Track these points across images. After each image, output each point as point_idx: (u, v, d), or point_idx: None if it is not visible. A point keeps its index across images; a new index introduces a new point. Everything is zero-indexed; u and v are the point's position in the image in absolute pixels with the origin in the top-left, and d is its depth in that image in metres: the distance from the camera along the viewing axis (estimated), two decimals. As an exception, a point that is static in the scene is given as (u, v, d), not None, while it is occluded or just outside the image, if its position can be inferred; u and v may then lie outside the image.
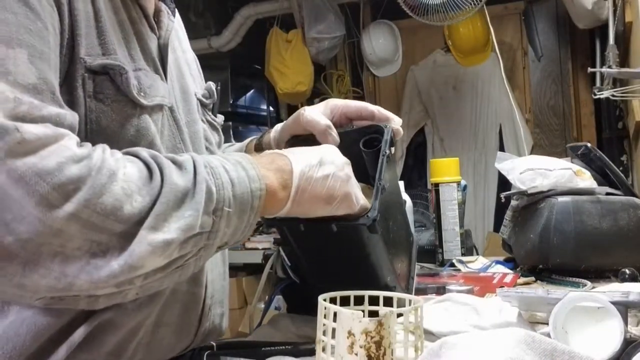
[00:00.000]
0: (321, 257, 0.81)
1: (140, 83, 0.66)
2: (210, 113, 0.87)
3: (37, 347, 0.61)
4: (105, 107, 0.62)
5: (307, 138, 0.81)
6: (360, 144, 0.81)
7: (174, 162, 0.60)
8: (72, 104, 0.59)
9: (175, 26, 0.86)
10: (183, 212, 0.57)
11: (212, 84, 0.90)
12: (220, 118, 0.91)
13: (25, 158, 0.49)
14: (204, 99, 0.85)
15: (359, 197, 0.71)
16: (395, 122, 0.82)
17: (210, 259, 0.77)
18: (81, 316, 0.63)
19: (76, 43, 0.60)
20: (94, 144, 0.57)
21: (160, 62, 0.74)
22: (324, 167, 0.68)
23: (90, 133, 0.61)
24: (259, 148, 0.92)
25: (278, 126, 0.89)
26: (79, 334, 0.62)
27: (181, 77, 0.81)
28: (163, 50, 0.75)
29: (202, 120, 0.84)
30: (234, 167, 0.62)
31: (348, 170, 0.71)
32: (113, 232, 0.53)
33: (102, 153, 0.55)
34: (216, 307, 0.80)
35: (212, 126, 0.87)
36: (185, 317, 0.73)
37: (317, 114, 0.80)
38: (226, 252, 0.86)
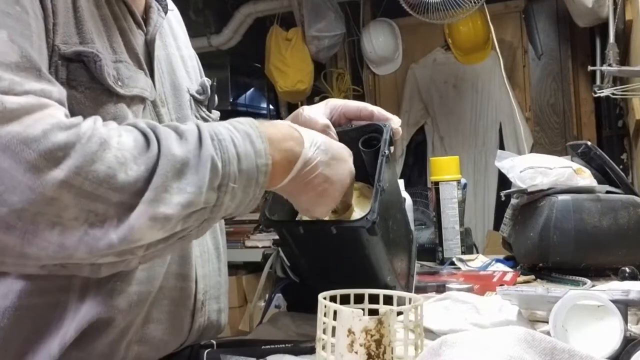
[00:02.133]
0: (321, 258, 0.81)
1: (119, 73, 0.66)
2: (204, 109, 0.87)
3: (29, 343, 0.61)
4: (78, 94, 0.62)
5: None
6: (359, 143, 0.81)
7: (176, 130, 0.59)
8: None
9: (171, 23, 0.86)
10: (185, 185, 0.56)
11: (206, 80, 0.90)
12: (215, 114, 0.90)
13: (9, 127, 0.49)
14: (197, 95, 0.85)
15: (331, 208, 0.72)
16: (395, 122, 0.82)
17: (201, 255, 0.77)
18: (72, 314, 0.62)
19: (54, 31, 0.61)
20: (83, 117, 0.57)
21: (147, 58, 0.74)
22: (330, 167, 0.68)
23: None
24: None
25: None
26: (71, 331, 0.62)
27: (172, 73, 0.81)
28: (150, 46, 0.75)
29: (196, 117, 0.84)
30: (243, 140, 0.61)
31: (350, 181, 0.71)
32: (109, 202, 0.53)
33: (93, 123, 0.55)
34: (211, 303, 0.79)
35: (207, 122, 0.87)
36: (176, 313, 0.73)
37: (316, 113, 0.80)
38: (222, 249, 0.85)
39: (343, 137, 0.79)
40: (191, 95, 0.84)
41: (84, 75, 0.63)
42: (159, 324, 0.71)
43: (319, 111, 0.82)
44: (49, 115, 0.52)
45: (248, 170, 0.61)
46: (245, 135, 0.62)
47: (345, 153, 0.72)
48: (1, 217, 0.50)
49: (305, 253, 0.82)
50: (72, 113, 0.60)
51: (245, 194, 0.61)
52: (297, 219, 0.83)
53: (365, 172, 0.82)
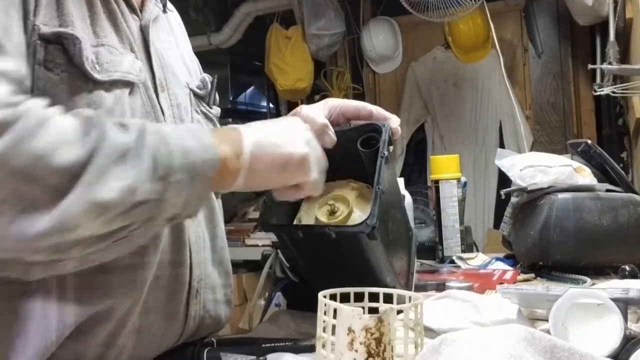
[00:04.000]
0: (320, 261, 0.80)
1: (99, 58, 0.65)
2: (205, 105, 0.87)
3: (27, 335, 0.61)
4: (54, 76, 0.62)
5: None
6: (358, 143, 0.80)
7: (119, 123, 0.58)
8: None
9: (170, 23, 0.87)
10: (125, 172, 0.54)
11: (207, 76, 0.90)
12: (216, 110, 0.90)
13: None
14: (197, 90, 0.85)
15: (314, 162, 0.69)
16: (394, 121, 0.81)
17: (196, 241, 0.76)
18: (69, 306, 0.62)
19: (36, 12, 0.61)
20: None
21: (143, 44, 0.74)
22: (280, 133, 0.67)
23: None
24: None
25: None
26: (69, 323, 0.62)
27: (171, 66, 0.80)
28: (145, 32, 0.75)
29: (196, 111, 0.84)
30: (187, 135, 0.60)
31: (308, 134, 0.69)
32: (44, 184, 0.51)
33: (37, 102, 0.54)
34: (207, 293, 0.79)
35: (207, 117, 0.87)
36: (172, 301, 0.73)
37: (314, 112, 0.80)
38: (219, 241, 0.85)
39: (341, 136, 0.78)
40: (191, 90, 0.84)
41: (61, 58, 0.62)
42: (156, 313, 0.71)
43: (318, 110, 0.81)
44: None
45: (194, 164, 0.59)
46: (190, 132, 0.61)
47: (289, 119, 0.71)
48: None
49: (304, 256, 0.82)
50: (46, 95, 0.60)
51: (192, 190, 0.59)
52: (295, 222, 0.82)
53: (364, 172, 0.82)
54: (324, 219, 0.78)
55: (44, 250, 0.53)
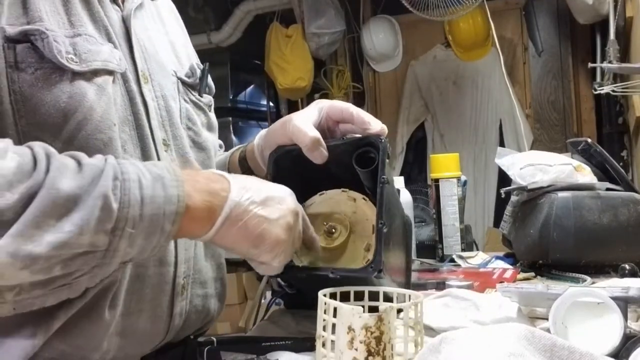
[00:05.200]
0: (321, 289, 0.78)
1: (76, 49, 0.63)
2: (195, 93, 0.84)
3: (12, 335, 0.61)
4: (28, 76, 0.60)
5: (293, 149, 0.76)
6: (353, 161, 0.75)
7: (79, 163, 0.54)
8: None
9: (159, 9, 0.85)
10: (63, 225, 0.51)
11: (196, 64, 0.87)
12: (206, 98, 0.87)
13: None
14: (185, 78, 0.83)
15: (285, 251, 0.66)
16: (372, 126, 0.77)
17: (184, 239, 0.73)
18: (56, 305, 0.60)
19: None
20: (22, 115, 0.54)
21: (125, 34, 0.72)
22: (266, 207, 0.63)
23: (15, 103, 0.59)
24: (243, 158, 0.89)
25: (263, 132, 0.86)
26: (54, 323, 0.61)
27: (156, 54, 0.78)
28: (127, 22, 0.73)
29: (185, 100, 0.81)
30: (153, 182, 0.57)
31: (292, 218, 0.66)
32: None
33: None
34: (195, 288, 0.76)
35: (197, 106, 0.84)
36: (155, 300, 0.70)
37: (305, 123, 0.76)
38: None
39: (334, 150, 0.75)
40: (179, 78, 0.81)
41: (32, 56, 0.60)
42: (140, 314, 0.69)
43: (309, 119, 0.77)
44: None
45: (152, 216, 0.56)
46: (157, 178, 0.57)
47: (281, 191, 0.67)
48: None
49: (305, 288, 0.80)
50: (24, 96, 0.59)
51: (147, 241, 0.56)
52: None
53: (359, 184, 0.78)
54: (322, 242, 0.74)
55: None
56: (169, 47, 0.83)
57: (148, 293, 0.69)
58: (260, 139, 0.86)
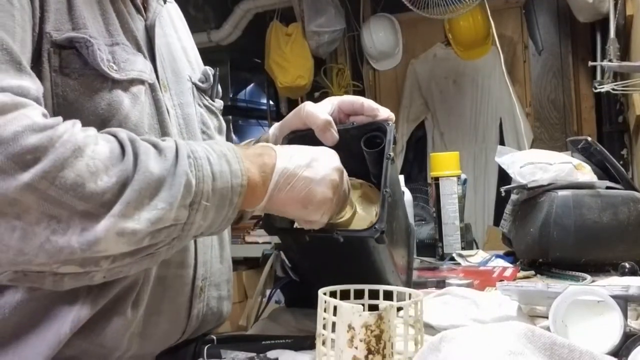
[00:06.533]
0: (325, 264, 0.80)
1: (115, 57, 0.66)
2: (207, 97, 0.87)
3: (33, 333, 0.61)
4: (72, 80, 0.62)
5: (306, 134, 0.80)
6: (362, 143, 0.80)
7: (155, 146, 0.59)
8: (38, 78, 0.59)
9: (170, 13, 0.87)
10: (156, 202, 0.55)
11: (208, 69, 0.90)
12: (218, 103, 0.91)
13: None
14: (199, 83, 0.85)
15: (332, 207, 0.69)
16: (381, 112, 0.81)
17: (203, 241, 0.76)
18: (79, 304, 0.62)
19: (45, 19, 0.61)
20: (63, 118, 0.56)
21: (148, 44, 0.74)
22: (311, 168, 0.67)
23: (57, 107, 0.61)
24: None
25: (277, 124, 0.89)
26: (75, 321, 0.62)
27: (173, 60, 0.81)
28: (150, 32, 0.75)
29: (199, 105, 0.84)
30: (219, 159, 0.61)
31: (337, 176, 0.69)
32: (74, 210, 0.52)
33: (72, 127, 0.54)
34: (211, 290, 0.79)
35: (210, 110, 0.87)
36: (175, 302, 0.73)
37: (318, 109, 0.80)
38: (225, 237, 0.85)
39: (344, 135, 0.78)
40: (193, 83, 0.84)
41: (76, 62, 0.62)
42: (160, 315, 0.71)
43: (321, 107, 0.82)
44: (24, 115, 0.51)
45: (222, 190, 0.60)
46: (221, 155, 0.62)
47: (325, 151, 0.70)
48: None
49: (309, 258, 0.81)
50: (66, 100, 0.61)
51: (217, 214, 0.61)
52: (296, 224, 0.82)
53: (366, 171, 0.82)
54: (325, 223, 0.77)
55: (73, 263, 0.54)
56: (183, 53, 0.85)
57: (169, 294, 0.72)
58: (276, 129, 0.89)
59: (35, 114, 0.53)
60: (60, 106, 0.61)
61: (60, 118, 0.55)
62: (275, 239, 0.82)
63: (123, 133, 0.58)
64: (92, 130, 0.57)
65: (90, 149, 0.54)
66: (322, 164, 0.68)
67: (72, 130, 0.54)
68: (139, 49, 0.72)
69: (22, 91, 0.53)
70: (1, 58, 0.53)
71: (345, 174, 0.72)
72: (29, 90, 0.55)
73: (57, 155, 0.51)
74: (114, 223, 0.53)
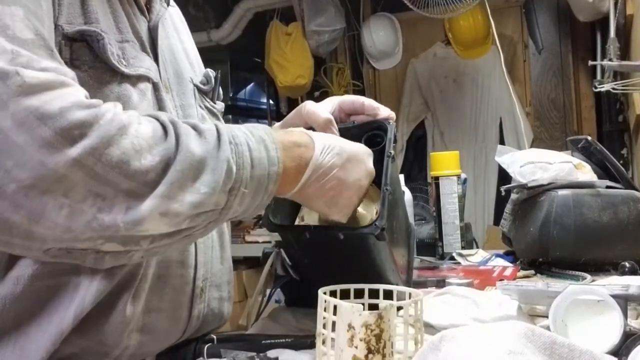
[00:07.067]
0: (325, 261, 0.80)
1: (125, 53, 0.67)
2: (209, 100, 0.88)
3: (32, 327, 0.61)
4: (82, 73, 0.62)
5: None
6: (362, 141, 0.79)
7: (195, 128, 0.59)
8: None
9: (172, 16, 0.87)
10: (199, 185, 0.56)
11: (210, 71, 0.90)
12: (220, 105, 0.91)
13: (27, 101, 0.50)
14: (201, 85, 0.86)
15: (360, 197, 0.71)
16: (381, 111, 0.82)
17: (204, 241, 0.77)
18: (76, 297, 0.62)
19: (59, 12, 0.62)
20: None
21: (151, 44, 0.75)
22: (344, 170, 0.68)
23: None
24: None
25: (278, 124, 0.89)
26: (73, 315, 0.61)
27: (175, 62, 0.81)
28: (153, 33, 0.76)
29: (200, 107, 0.84)
30: (257, 145, 0.62)
31: (367, 182, 0.70)
32: (119, 188, 0.53)
33: (114, 107, 0.55)
34: (212, 291, 0.79)
35: (211, 112, 0.88)
36: (175, 301, 0.73)
37: (318, 107, 0.81)
38: (226, 238, 0.85)
39: (345, 133, 0.79)
40: (195, 85, 0.84)
41: (87, 55, 0.63)
42: (160, 313, 0.71)
43: (323, 106, 0.82)
44: (69, 93, 0.52)
45: (260, 177, 0.61)
46: (260, 141, 0.62)
47: (362, 153, 0.71)
48: (9, 194, 0.50)
49: (309, 255, 0.81)
50: None
51: (253, 200, 0.62)
52: (297, 220, 0.82)
53: None
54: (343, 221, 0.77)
55: (116, 240, 0.55)
56: (184, 55, 0.86)
57: (169, 293, 0.72)
58: (277, 128, 0.88)
59: (79, 92, 0.54)
60: None
61: (101, 100, 0.56)
62: (276, 238, 0.82)
63: (164, 115, 0.59)
64: (133, 111, 0.57)
65: (134, 128, 0.54)
66: (355, 166, 0.69)
67: (115, 110, 0.55)
68: (144, 49, 0.72)
69: (60, 72, 0.54)
70: (37, 42, 0.54)
71: (374, 175, 0.73)
72: (66, 72, 0.55)
73: (103, 132, 0.52)
74: (158, 204, 0.54)
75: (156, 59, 0.75)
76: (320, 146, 0.67)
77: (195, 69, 0.88)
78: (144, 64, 0.69)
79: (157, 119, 0.58)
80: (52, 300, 0.62)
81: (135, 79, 0.68)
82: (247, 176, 0.60)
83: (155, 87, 0.73)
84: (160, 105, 0.73)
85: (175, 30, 0.87)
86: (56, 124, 0.50)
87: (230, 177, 0.58)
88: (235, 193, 0.59)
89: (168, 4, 0.83)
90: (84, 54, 0.63)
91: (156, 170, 0.54)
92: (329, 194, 0.67)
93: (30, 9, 0.55)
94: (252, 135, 0.62)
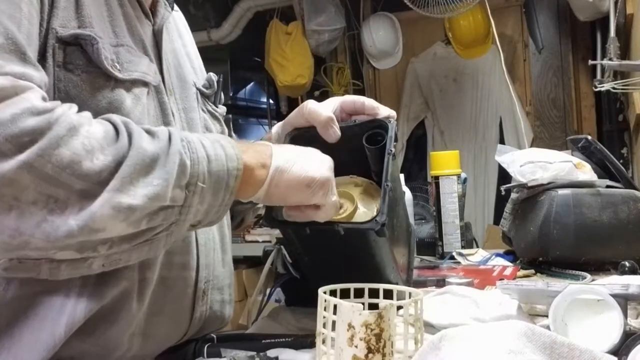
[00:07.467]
0: (325, 258, 0.80)
1: (119, 58, 0.67)
2: (211, 103, 0.88)
3: (28, 333, 0.61)
4: (75, 77, 0.63)
5: (308, 131, 0.80)
6: (363, 140, 0.80)
7: (147, 131, 0.60)
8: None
9: (175, 20, 0.88)
10: (151, 179, 0.56)
11: (212, 75, 0.91)
12: (222, 109, 0.92)
13: None
14: (204, 89, 0.86)
15: (334, 188, 0.71)
16: (381, 110, 0.82)
17: (205, 243, 0.77)
18: (74, 303, 0.62)
19: (53, 15, 0.62)
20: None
21: (155, 48, 0.75)
22: (306, 158, 0.68)
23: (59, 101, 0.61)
24: None
25: (279, 123, 0.90)
26: (72, 321, 0.61)
27: (179, 66, 0.82)
28: (157, 36, 0.76)
29: (203, 110, 0.85)
30: (212, 144, 0.63)
31: (330, 163, 0.71)
32: (71, 188, 0.53)
33: (68, 109, 0.56)
34: (214, 294, 0.79)
35: (213, 116, 0.88)
36: (177, 303, 0.73)
37: (320, 106, 0.81)
38: (227, 241, 0.85)
39: (346, 132, 0.79)
40: (198, 89, 0.85)
41: (80, 59, 0.63)
42: (161, 316, 0.71)
43: (324, 105, 0.82)
44: (23, 99, 0.52)
45: (218, 172, 0.61)
46: (214, 141, 0.63)
47: (316, 150, 0.72)
48: None
49: (310, 252, 0.81)
50: (68, 95, 0.61)
51: (214, 198, 0.62)
52: None
53: (367, 169, 0.82)
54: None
55: (70, 248, 0.54)
56: (187, 59, 0.86)
57: (171, 296, 0.72)
58: (279, 127, 0.89)
59: (34, 97, 0.54)
60: (62, 100, 0.61)
61: (58, 102, 0.56)
62: (276, 236, 0.82)
63: (116, 117, 0.59)
64: (86, 113, 0.58)
65: (85, 129, 0.55)
66: (313, 152, 0.71)
67: (67, 112, 0.55)
68: (146, 53, 0.72)
69: (25, 77, 0.54)
70: (6, 47, 0.54)
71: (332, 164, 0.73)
72: (32, 77, 0.55)
73: (53, 135, 0.52)
74: (109, 197, 0.54)
75: (160, 63, 0.75)
76: (278, 146, 0.69)
77: (197, 73, 0.88)
78: (139, 68, 0.69)
79: (109, 120, 0.58)
80: (42, 306, 0.61)
81: (130, 84, 0.67)
82: (204, 170, 0.60)
83: (158, 91, 0.73)
84: (162, 107, 0.73)
85: (179, 34, 0.87)
86: (6, 131, 0.50)
87: (185, 172, 0.59)
88: (193, 189, 0.59)
89: (172, 8, 0.83)
90: (78, 57, 0.63)
91: (109, 169, 0.55)
92: (301, 175, 0.67)
93: (5, 12, 0.55)
94: (206, 137, 0.64)
